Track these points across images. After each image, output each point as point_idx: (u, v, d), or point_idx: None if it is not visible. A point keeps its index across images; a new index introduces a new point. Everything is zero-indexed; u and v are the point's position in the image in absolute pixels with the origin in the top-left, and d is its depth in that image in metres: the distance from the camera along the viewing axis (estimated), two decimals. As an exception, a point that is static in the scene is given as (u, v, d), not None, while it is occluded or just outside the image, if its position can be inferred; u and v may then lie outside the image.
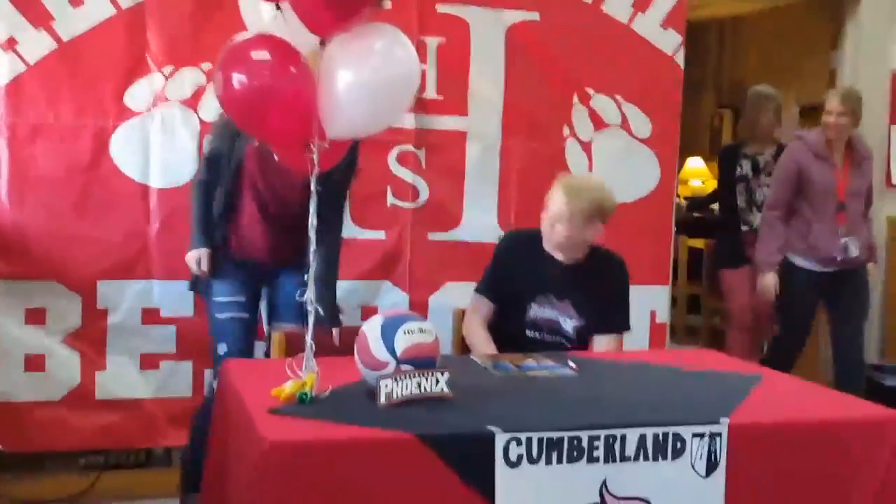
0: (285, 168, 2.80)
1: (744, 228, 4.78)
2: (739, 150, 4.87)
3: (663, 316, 4.15)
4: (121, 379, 3.54)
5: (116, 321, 3.52)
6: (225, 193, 3.11)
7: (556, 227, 2.96)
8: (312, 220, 2.15)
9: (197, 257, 3.13)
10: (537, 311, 3.03)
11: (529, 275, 3.03)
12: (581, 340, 3.04)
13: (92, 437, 3.52)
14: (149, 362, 3.55)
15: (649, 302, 4.12)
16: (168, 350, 3.57)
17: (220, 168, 3.11)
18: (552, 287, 3.01)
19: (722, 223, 5.08)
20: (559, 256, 3.03)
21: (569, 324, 3.03)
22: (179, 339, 3.57)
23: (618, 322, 3.08)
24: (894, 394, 4.31)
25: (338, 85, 2.08)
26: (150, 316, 3.54)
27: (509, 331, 3.03)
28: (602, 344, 3.02)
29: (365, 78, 2.11)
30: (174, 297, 3.53)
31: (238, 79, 2.09)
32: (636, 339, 4.02)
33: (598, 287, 3.03)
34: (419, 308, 3.68)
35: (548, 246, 3.03)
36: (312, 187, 2.12)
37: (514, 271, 3.05)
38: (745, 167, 4.79)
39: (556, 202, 2.94)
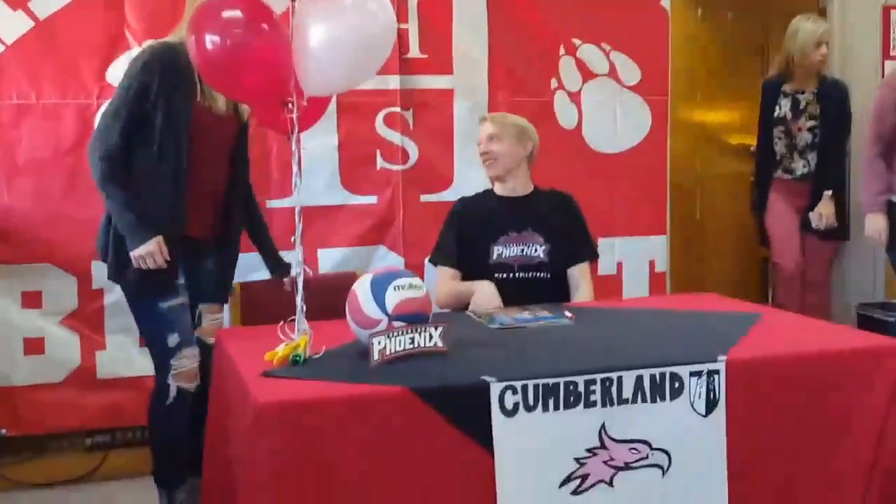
0: (220, 129, 2.74)
1: (786, 176, 4.36)
2: (779, 88, 4.39)
3: (662, 265, 4.13)
4: (121, 357, 3.52)
5: (113, 300, 3.49)
6: (177, 163, 2.68)
7: (492, 146, 3.12)
8: (297, 180, 2.13)
9: (155, 248, 2.64)
10: (502, 250, 3.08)
11: (486, 222, 3.12)
12: (555, 264, 3.09)
13: (96, 416, 3.52)
14: (148, 339, 3.54)
15: (648, 252, 4.11)
16: (167, 326, 3.55)
17: (140, 134, 2.67)
18: (510, 224, 3.10)
19: (761, 168, 4.51)
20: (507, 191, 3.17)
21: (539, 250, 3.08)
22: (178, 314, 3.55)
23: (585, 250, 3.18)
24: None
25: (311, 41, 2.04)
26: (147, 292, 3.52)
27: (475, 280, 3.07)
28: (577, 273, 3.12)
29: (339, 32, 2.07)
30: (169, 273, 3.51)
31: (211, 39, 2.06)
32: (636, 289, 4.02)
33: (554, 218, 3.14)
34: (415, 270, 3.64)
35: (488, 173, 3.16)
36: (293, 147, 2.09)
37: (472, 227, 3.12)
38: (783, 107, 4.35)
39: (485, 128, 3.16)
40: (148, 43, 2.89)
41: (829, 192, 4.25)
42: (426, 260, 3.27)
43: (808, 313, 4.11)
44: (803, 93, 4.33)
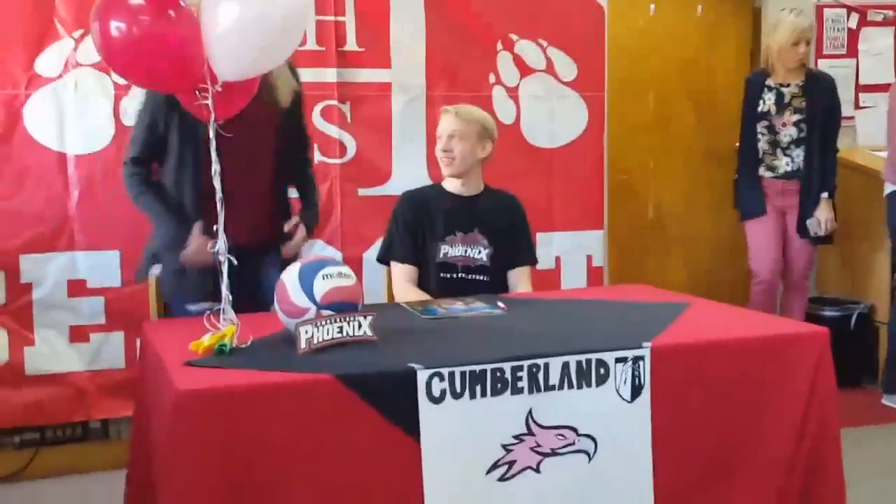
0: (250, 125, 2.54)
1: (768, 175, 4.22)
2: (763, 82, 4.23)
3: (599, 260, 4.16)
4: (51, 353, 3.46)
5: (42, 295, 3.44)
6: (197, 172, 2.61)
7: (453, 143, 3.04)
8: (216, 167, 2.10)
9: (200, 243, 2.57)
10: (448, 250, 3.06)
11: (434, 220, 3.07)
12: (495, 268, 3.08)
13: (25, 413, 3.44)
14: (78, 335, 3.48)
15: (585, 246, 4.14)
16: (98, 322, 3.50)
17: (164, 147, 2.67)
18: (457, 223, 3.07)
19: (743, 167, 4.35)
20: (457, 188, 3.11)
21: (483, 253, 3.07)
22: (108, 310, 3.50)
23: (526, 255, 3.18)
24: (832, 324, 4.38)
25: (220, 25, 2.00)
26: (77, 288, 3.47)
27: (422, 277, 3.06)
28: (516, 277, 3.12)
29: (247, 14, 2.02)
30: (100, 268, 3.47)
31: (116, 27, 2.02)
32: (574, 283, 4.06)
33: (500, 220, 3.12)
34: (353, 264, 3.56)
35: (445, 172, 3.09)
36: (210, 134, 2.06)
37: (420, 224, 3.08)
38: (767, 101, 4.19)
39: (449, 122, 3.05)
40: None
41: (825, 195, 4.15)
42: (376, 258, 3.20)
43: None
44: (788, 86, 4.19)
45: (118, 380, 3.44)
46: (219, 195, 2.10)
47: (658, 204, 5.18)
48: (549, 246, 4.03)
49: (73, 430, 3.56)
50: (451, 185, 3.13)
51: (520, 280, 3.12)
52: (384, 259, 3.14)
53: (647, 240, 5.17)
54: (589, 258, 4.13)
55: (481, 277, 3.06)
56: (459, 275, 3.06)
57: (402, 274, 3.07)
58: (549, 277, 4.00)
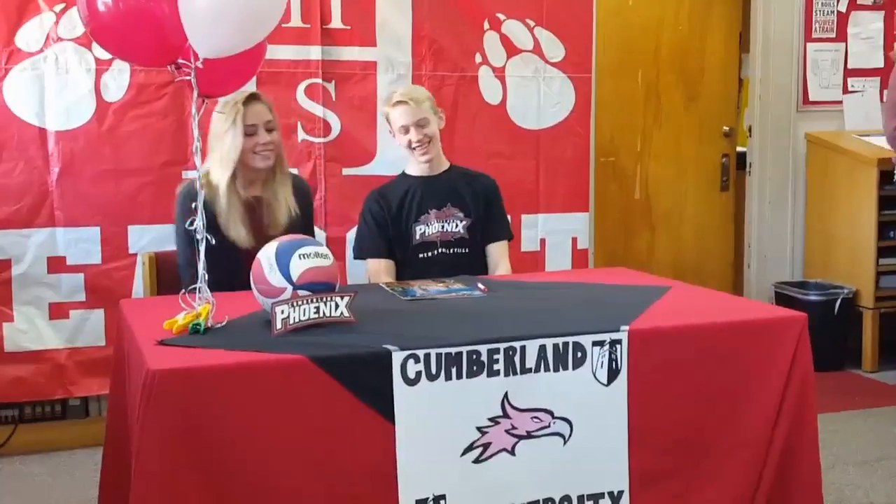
0: None
1: None
2: None
3: (585, 242, 4.14)
4: (30, 330, 3.44)
5: (21, 272, 3.42)
6: None
7: (424, 131, 3.04)
8: (197, 144, 2.08)
9: None
10: (425, 229, 3.07)
11: (406, 206, 3.08)
12: (474, 239, 3.10)
13: (3, 390, 3.43)
14: (58, 312, 3.46)
15: (571, 229, 4.11)
16: (77, 299, 3.48)
17: None
18: (430, 202, 3.08)
19: None
20: (424, 171, 3.12)
21: (460, 225, 3.09)
22: (88, 287, 3.47)
23: (503, 229, 3.20)
24: (816, 308, 4.39)
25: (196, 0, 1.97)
26: (56, 265, 3.44)
27: (401, 264, 3.07)
28: (495, 252, 3.15)
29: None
30: (80, 245, 3.45)
31: (103, 1, 1.99)
32: (559, 265, 4.05)
33: (473, 192, 3.13)
34: (337, 245, 3.63)
35: (423, 159, 3.08)
36: (193, 110, 2.03)
37: (391, 216, 3.08)
38: None
39: (409, 112, 3.04)
40: None
41: None
42: (353, 257, 3.21)
43: None
44: None
45: (98, 357, 3.41)
46: (199, 173, 2.07)
47: (645, 186, 5.16)
48: (535, 228, 4.01)
49: (52, 407, 3.54)
50: (418, 168, 3.13)
51: (499, 255, 3.13)
52: (360, 257, 3.16)
53: (634, 222, 5.15)
54: (574, 240, 4.10)
55: (461, 250, 3.08)
56: (439, 251, 3.07)
57: (380, 269, 3.08)
58: (533, 259, 3.99)
